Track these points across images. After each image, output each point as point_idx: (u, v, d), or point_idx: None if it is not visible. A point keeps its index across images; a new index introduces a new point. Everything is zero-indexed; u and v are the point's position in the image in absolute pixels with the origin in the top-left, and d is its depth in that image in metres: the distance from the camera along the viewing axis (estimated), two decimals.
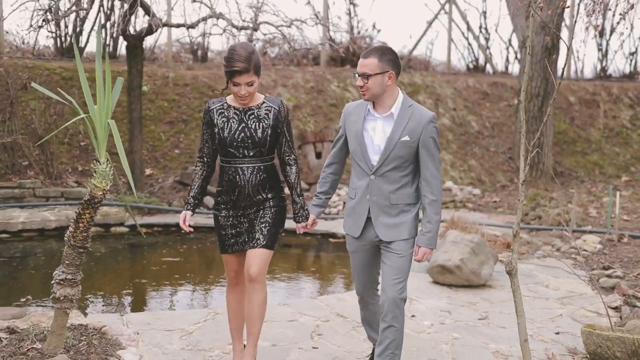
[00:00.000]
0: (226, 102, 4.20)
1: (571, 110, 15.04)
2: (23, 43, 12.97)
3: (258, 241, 4.18)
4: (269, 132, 4.12)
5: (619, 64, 17.20)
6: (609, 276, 6.97)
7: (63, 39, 13.05)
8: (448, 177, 12.30)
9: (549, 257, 7.89)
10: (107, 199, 9.82)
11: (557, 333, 5.46)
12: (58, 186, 9.80)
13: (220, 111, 4.18)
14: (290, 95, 12.85)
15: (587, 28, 9.40)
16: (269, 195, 4.21)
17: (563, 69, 3.65)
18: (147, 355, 4.73)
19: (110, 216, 9.21)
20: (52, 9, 8.07)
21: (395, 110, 4.00)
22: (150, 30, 9.21)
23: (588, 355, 4.72)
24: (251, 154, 4.12)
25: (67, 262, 4.44)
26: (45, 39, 13.21)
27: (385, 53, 4.01)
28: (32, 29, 8.18)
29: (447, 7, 16.07)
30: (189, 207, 4.32)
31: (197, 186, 4.34)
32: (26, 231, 8.63)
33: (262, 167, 4.15)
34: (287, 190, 8.08)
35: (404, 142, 3.97)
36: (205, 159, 4.30)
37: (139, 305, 6.48)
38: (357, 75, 4.04)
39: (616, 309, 6.01)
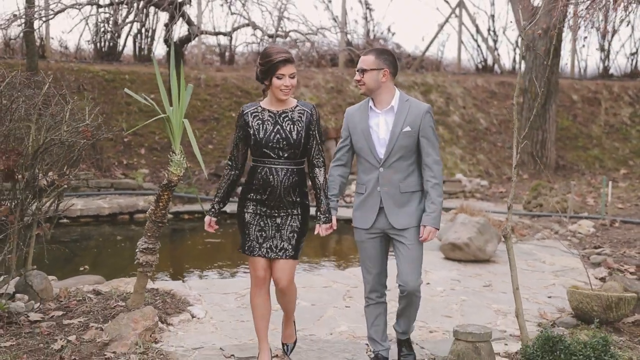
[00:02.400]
0: (260, 106, 4.32)
1: (574, 108, 16.02)
2: (66, 48, 14.08)
3: (287, 252, 4.29)
4: (303, 134, 4.24)
5: (620, 64, 17.99)
6: (598, 254, 7.98)
7: (102, 43, 14.13)
8: (458, 169, 13.36)
9: (548, 239, 8.92)
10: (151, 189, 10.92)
11: (550, 297, 6.50)
12: (107, 178, 10.93)
13: (254, 114, 4.29)
14: (312, 94, 13.92)
15: (589, 27, 10.29)
16: (298, 199, 4.30)
17: (547, 74, 4.65)
18: (210, 310, 5.80)
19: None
20: (110, 21, 9.13)
21: (395, 104, 4.34)
22: (189, 38, 10.28)
23: (573, 312, 5.75)
24: (285, 155, 4.22)
25: (148, 234, 5.44)
26: (86, 44, 14.23)
27: (383, 53, 4.38)
28: (95, 39, 9.17)
29: (457, 11, 17.06)
30: (213, 213, 4.46)
31: (224, 191, 4.43)
32: (83, 217, 9.74)
33: (295, 170, 4.26)
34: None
35: (406, 133, 4.29)
36: (234, 162, 4.40)
37: (195, 275, 7.54)
38: (356, 70, 4.40)
39: (602, 279, 7.02)
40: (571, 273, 7.33)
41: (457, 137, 14.18)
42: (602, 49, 17.67)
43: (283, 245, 4.29)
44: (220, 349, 4.96)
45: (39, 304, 5.65)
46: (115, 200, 10.33)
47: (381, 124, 4.36)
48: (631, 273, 7.18)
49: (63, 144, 5.09)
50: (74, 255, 8.35)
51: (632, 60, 17.88)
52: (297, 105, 4.30)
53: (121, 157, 11.55)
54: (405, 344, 4.68)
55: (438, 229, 4.33)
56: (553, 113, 13.83)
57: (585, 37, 11.64)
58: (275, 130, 4.22)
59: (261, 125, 4.24)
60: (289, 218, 4.29)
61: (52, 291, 5.89)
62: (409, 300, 4.45)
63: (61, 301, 5.76)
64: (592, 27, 10.08)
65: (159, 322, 5.31)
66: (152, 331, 5.08)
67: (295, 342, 4.80)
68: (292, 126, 4.23)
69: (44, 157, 5.02)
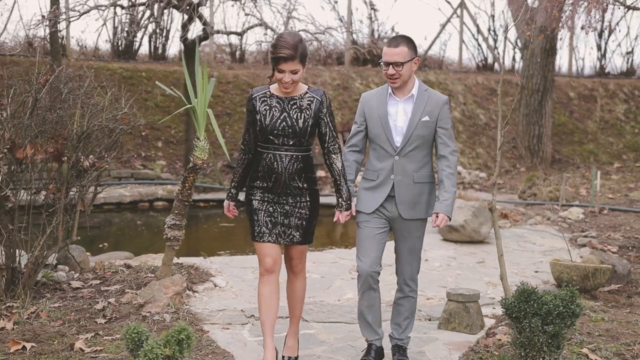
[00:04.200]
0: (269, 91, 4.24)
1: (570, 105, 16.66)
2: (85, 47, 14.78)
3: (294, 238, 4.26)
4: (310, 122, 4.17)
5: (617, 62, 18.64)
6: (585, 236, 8.64)
7: (119, 42, 14.83)
8: (458, 162, 14.03)
9: (540, 224, 9.57)
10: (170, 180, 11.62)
11: (536, 272, 7.16)
12: (127, 168, 11.64)
13: (263, 99, 4.22)
14: None
15: (582, 28, 10.93)
16: (305, 185, 4.24)
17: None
18: (231, 281, 6.48)
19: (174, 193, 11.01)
20: (129, 22, 9.81)
21: (415, 92, 4.29)
22: (206, 37, 10.97)
23: (555, 282, 6.41)
24: (291, 142, 4.17)
25: (176, 211, 6.10)
26: (104, 43, 14.95)
27: (411, 41, 4.30)
28: (114, 38, 9.83)
29: (458, 11, 17.72)
30: (231, 197, 4.46)
31: (239, 175, 4.39)
32: (106, 204, 10.44)
33: (300, 157, 4.20)
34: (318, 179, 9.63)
35: (424, 122, 4.26)
36: (247, 147, 4.34)
37: (214, 253, 8.21)
38: (385, 64, 4.24)
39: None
40: (558, 253, 7.98)
41: (458, 132, 14.84)
42: (598, 48, 18.30)
43: (291, 232, 4.24)
44: (241, 310, 5.64)
45: (78, 274, 6.36)
46: (136, 189, 11.04)
47: (400, 112, 4.30)
48: (613, 252, 7.83)
49: (103, 130, 5.77)
50: (99, 237, 9.05)
51: (628, 59, 18.50)
52: (306, 92, 4.22)
53: (139, 150, 12.25)
54: (400, 349, 4.55)
55: (450, 218, 4.30)
56: (549, 109, 14.48)
57: (571, 37, 12.25)
58: (282, 118, 4.16)
59: (268, 111, 4.17)
60: (297, 205, 4.23)
61: (89, 264, 6.60)
62: (406, 292, 4.49)
63: (97, 272, 6.46)
64: (584, 28, 10.74)
65: (185, 290, 5.99)
66: (180, 295, 5.76)
67: (297, 358, 4.54)
68: (299, 114, 4.16)
69: (86, 142, 5.70)
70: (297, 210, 4.24)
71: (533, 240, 8.59)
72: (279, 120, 4.15)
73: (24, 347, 4.60)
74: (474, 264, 7.34)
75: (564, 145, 15.66)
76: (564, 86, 16.86)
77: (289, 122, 4.15)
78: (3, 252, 5.55)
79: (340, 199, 4.32)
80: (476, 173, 13.20)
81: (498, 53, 18.20)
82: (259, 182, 4.24)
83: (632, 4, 8.06)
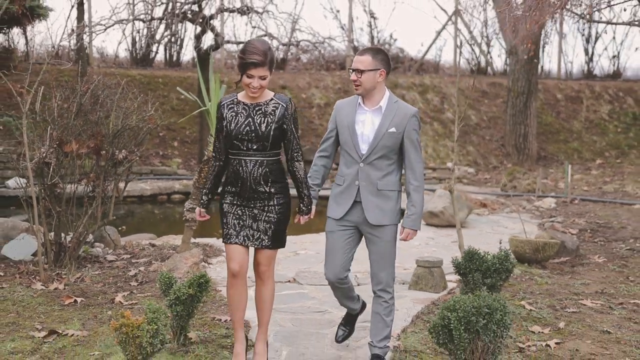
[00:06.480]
0: (236, 98, 4.28)
1: (557, 106, 17.81)
2: (106, 55, 16.08)
3: (262, 241, 4.29)
4: (273, 127, 4.19)
5: (604, 65, 19.80)
6: (552, 222, 9.81)
7: (137, 51, 16.11)
8: (449, 159, 15.21)
9: (515, 212, 10.73)
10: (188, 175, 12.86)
11: (500, 244, 8.30)
12: (148, 165, 12.91)
13: (230, 106, 4.26)
14: (321, 94, 15.80)
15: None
16: (272, 190, 4.26)
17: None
18: None
19: (190, 187, 12.24)
20: (150, 35, 11.08)
21: (384, 104, 4.36)
22: (217, 46, 12.21)
23: (513, 255, 7.57)
24: (254, 147, 4.19)
25: (193, 197, 7.31)
26: (123, 52, 16.23)
27: (379, 53, 4.34)
28: (132, 48, 11.10)
29: (453, 18, 18.90)
30: (202, 204, 4.47)
31: (210, 182, 4.43)
32: (129, 197, 11.70)
33: (264, 162, 4.22)
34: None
35: (390, 134, 4.30)
36: (217, 154, 4.36)
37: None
38: (351, 70, 4.34)
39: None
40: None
41: (450, 131, 16.01)
42: (586, 52, 19.44)
43: (259, 235, 4.28)
44: (248, 277, 6.83)
45: (112, 250, 7.59)
46: (155, 183, 12.31)
47: (367, 122, 4.37)
48: (573, 234, 8.99)
49: (133, 129, 7.00)
50: (123, 223, 10.28)
51: (614, 62, 19.63)
52: (272, 99, 4.27)
53: (158, 149, 13.52)
54: (378, 358, 4.54)
55: (417, 231, 4.40)
56: (533, 110, 15.64)
57: (560, 42, 13.32)
58: (246, 123, 4.20)
59: (234, 117, 4.22)
60: (265, 209, 4.27)
61: (120, 242, 7.83)
62: (383, 309, 4.48)
63: (127, 249, 7.69)
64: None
65: (202, 261, 7.19)
66: (197, 265, 6.96)
67: None
68: (263, 118, 4.20)
69: (120, 139, 6.93)
70: (265, 214, 4.27)
71: (505, 225, 9.76)
72: (243, 125, 4.19)
73: (75, 301, 5.81)
74: (449, 243, 8.51)
75: (549, 143, 16.81)
76: (552, 88, 18.01)
77: (252, 127, 4.18)
78: (52, 230, 6.78)
79: (301, 205, 4.42)
80: (465, 169, 14.38)
81: (491, 58, 19.36)
82: (228, 187, 4.29)
83: (582, 14, 9.20)
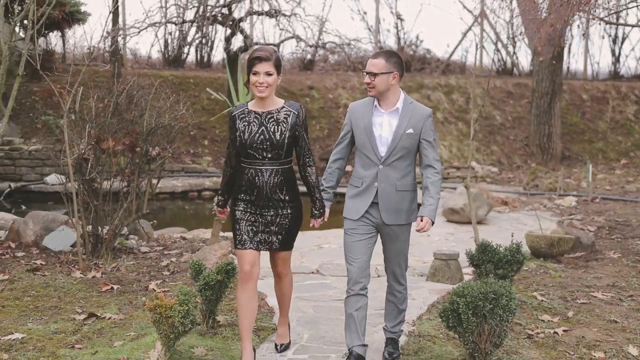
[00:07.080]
0: (247, 108, 4.35)
1: (583, 106, 17.94)
2: (139, 56, 16.59)
3: (274, 244, 4.41)
4: (287, 134, 4.26)
5: (631, 66, 19.82)
6: (571, 219, 10.03)
7: (170, 52, 16.59)
8: (473, 159, 15.45)
9: (536, 210, 10.96)
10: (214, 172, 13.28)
11: (512, 236, 8.57)
12: (179, 163, 13.37)
13: (242, 116, 4.32)
14: (348, 95, 16.13)
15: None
16: (287, 198, 4.35)
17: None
18: None
19: (219, 184, 12.70)
20: (182, 37, 11.52)
21: (400, 106, 4.43)
22: (246, 48, 12.60)
23: (529, 250, 7.84)
24: (269, 156, 4.25)
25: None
26: (155, 53, 16.74)
27: (392, 56, 4.43)
28: (165, 50, 11.56)
29: (479, 19, 19.12)
30: (220, 205, 4.70)
31: (224, 186, 4.58)
32: (162, 194, 12.15)
33: (280, 170, 4.30)
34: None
35: (408, 135, 4.39)
36: (231, 162, 4.47)
37: None
38: (365, 73, 4.42)
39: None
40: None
41: (474, 131, 16.27)
42: (612, 53, 19.52)
43: (271, 238, 4.39)
44: (269, 267, 7.20)
45: (145, 242, 8.00)
46: (186, 180, 12.76)
47: (385, 124, 4.43)
48: (591, 231, 9.20)
49: (166, 127, 7.40)
50: (155, 218, 10.72)
51: None
52: (283, 107, 4.32)
53: (188, 147, 13.97)
54: (392, 342, 4.74)
55: (434, 222, 4.45)
56: (558, 110, 15.81)
57: (586, 43, 13.46)
58: (260, 132, 4.24)
59: (247, 127, 4.27)
60: (279, 217, 4.37)
61: (153, 235, 8.24)
62: (396, 297, 4.71)
63: (160, 242, 8.10)
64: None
65: (230, 253, 7.57)
66: (226, 256, 7.33)
67: (289, 344, 4.82)
68: (276, 127, 4.25)
69: (153, 136, 7.33)
70: (278, 220, 4.37)
71: (525, 222, 10.00)
72: (257, 134, 4.24)
73: (111, 288, 6.22)
74: (468, 239, 8.78)
75: (574, 143, 16.96)
76: (578, 89, 18.14)
77: (267, 135, 4.23)
78: (90, 223, 7.21)
79: (314, 209, 4.51)
80: (489, 168, 14.60)
81: (517, 58, 19.51)
82: (242, 195, 4.35)
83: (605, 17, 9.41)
